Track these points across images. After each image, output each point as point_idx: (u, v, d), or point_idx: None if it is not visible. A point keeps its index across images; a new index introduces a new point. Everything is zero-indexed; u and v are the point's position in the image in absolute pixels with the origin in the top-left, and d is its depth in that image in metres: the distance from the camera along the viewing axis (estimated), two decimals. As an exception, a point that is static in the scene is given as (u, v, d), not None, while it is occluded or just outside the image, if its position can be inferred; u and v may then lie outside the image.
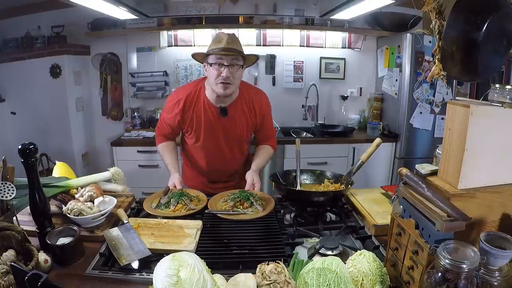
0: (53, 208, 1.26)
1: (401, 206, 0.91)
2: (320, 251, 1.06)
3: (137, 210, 1.43)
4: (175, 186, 1.56)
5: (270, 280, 0.81)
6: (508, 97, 0.84)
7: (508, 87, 0.84)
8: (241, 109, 1.71)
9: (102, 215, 1.24)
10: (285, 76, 3.45)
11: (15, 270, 0.80)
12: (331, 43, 3.40)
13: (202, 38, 3.25)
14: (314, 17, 3.21)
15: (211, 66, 1.56)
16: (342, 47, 3.42)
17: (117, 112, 3.37)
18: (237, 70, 1.57)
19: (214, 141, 1.72)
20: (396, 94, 3.12)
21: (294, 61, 3.42)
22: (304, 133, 3.40)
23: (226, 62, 1.53)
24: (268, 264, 0.86)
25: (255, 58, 1.70)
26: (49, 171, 1.95)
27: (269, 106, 1.81)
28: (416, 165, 1.01)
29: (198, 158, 1.80)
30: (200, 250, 1.10)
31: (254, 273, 0.87)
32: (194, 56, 1.66)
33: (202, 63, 1.66)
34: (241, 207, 1.39)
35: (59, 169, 1.60)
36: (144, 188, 2.38)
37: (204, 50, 1.61)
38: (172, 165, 1.71)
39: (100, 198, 1.30)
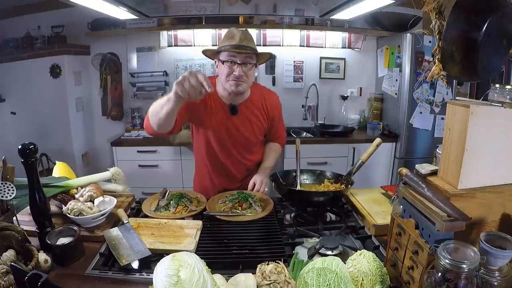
0: (53, 208, 1.25)
1: (401, 206, 0.91)
2: (320, 251, 1.06)
3: (137, 210, 1.42)
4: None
5: (270, 280, 0.81)
6: (508, 97, 0.84)
7: (508, 87, 0.84)
8: (252, 109, 1.65)
9: (102, 215, 1.24)
10: (285, 76, 3.45)
11: (15, 270, 0.80)
12: (331, 43, 3.40)
13: (202, 38, 3.25)
14: (314, 17, 3.21)
15: (223, 63, 1.49)
16: (342, 47, 3.42)
17: (117, 112, 3.37)
18: (250, 68, 1.50)
19: (221, 140, 1.64)
20: (396, 94, 3.11)
21: (294, 61, 3.42)
22: (304, 133, 3.40)
23: (239, 60, 1.46)
24: (268, 264, 0.86)
25: (268, 56, 1.61)
26: (49, 171, 1.95)
27: (280, 107, 1.79)
28: (416, 165, 1.01)
29: (207, 160, 1.72)
30: (200, 250, 1.10)
31: (254, 273, 0.87)
32: (205, 52, 1.60)
33: (213, 60, 1.60)
34: (240, 208, 1.38)
35: (59, 169, 1.60)
36: (144, 188, 2.38)
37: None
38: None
39: (100, 198, 1.30)
